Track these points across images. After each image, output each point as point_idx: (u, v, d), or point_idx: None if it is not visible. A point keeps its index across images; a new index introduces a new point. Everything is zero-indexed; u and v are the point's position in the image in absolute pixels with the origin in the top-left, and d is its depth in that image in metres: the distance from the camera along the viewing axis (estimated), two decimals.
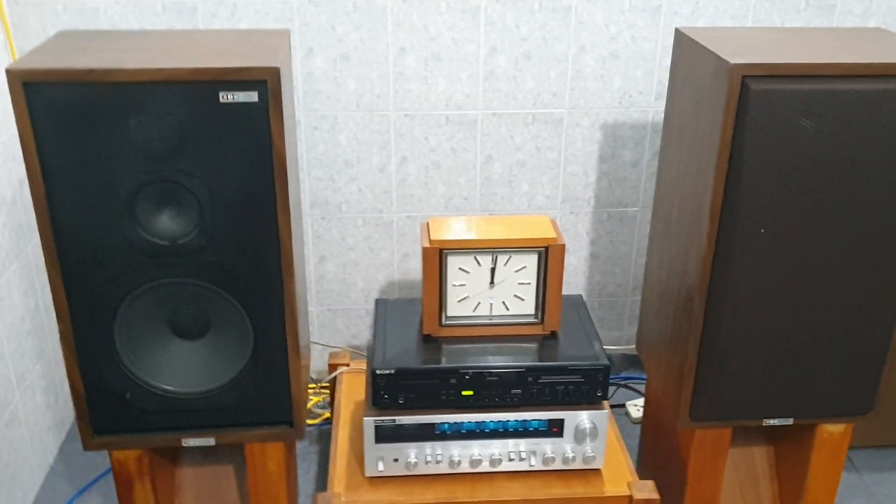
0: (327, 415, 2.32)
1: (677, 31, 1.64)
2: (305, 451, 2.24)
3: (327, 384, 2.14)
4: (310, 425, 2.31)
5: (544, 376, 1.69)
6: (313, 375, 2.42)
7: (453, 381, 1.69)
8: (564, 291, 2.40)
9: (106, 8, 1.99)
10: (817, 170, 1.45)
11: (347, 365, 2.11)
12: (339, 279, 2.33)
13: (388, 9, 2.04)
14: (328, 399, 2.28)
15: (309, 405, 2.33)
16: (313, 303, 2.36)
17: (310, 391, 2.37)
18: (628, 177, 2.27)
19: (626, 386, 2.46)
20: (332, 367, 2.12)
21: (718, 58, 1.44)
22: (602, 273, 2.39)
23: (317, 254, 2.30)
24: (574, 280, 2.39)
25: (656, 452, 1.95)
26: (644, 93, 2.18)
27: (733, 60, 1.40)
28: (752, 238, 1.50)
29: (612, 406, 2.39)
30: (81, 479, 2.13)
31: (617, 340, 2.49)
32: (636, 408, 2.35)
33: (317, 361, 2.41)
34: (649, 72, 2.15)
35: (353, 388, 2.04)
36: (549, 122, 2.18)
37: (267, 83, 1.37)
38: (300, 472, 2.16)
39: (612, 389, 2.45)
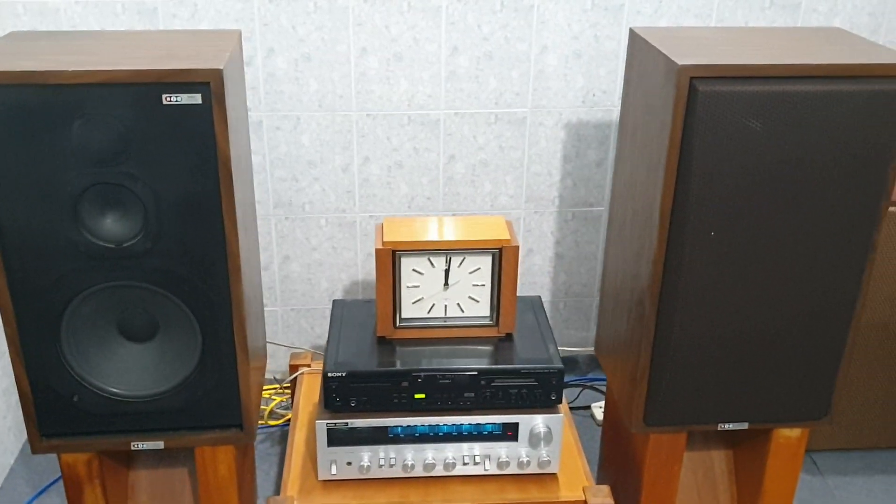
0: (290, 416, 2.31)
1: (631, 30, 1.63)
2: (267, 452, 2.23)
3: (289, 385, 2.13)
4: (272, 426, 2.30)
5: (497, 379, 1.68)
6: (277, 376, 2.41)
7: (405, 384, 1.68)
8: (529, 292, 2.39)
9: (66, 8, 1.97)
10: (767, 171, 1.44)
11: (308, 366, 2.10)
12: (304, 279, 2.32)
13: (349, 9, 2.03)
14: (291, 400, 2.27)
15: (271, 406, 2.32)
16: (277, 303, 2.35)
17: (273, 392, 2.36)
18: (593, 176, 2.26)
19: (591, 388, 2.45)
20: (294, 368, 2.11)
21: (667, 59, 1.43)
22: (567, 273, 2.38)
23: (281, 254, 2.28)
24: (539, 280, 2.38)
25: (615, 456, 1.94)
26: (608, 92, 2.17)
27: (681, 61, 1.39)
28: (702, 241, 1.49)
29: (577, 408, 2.38)
30: (42, 480, 2.12)
31: (583, 341, 2.48)
32: (601, 410, 2.35)
33: (281, 362, 2.40)
34: (612, 71, 2.14)
35: (312, 390, 2.03)
36: (512, 122, 2.17)
37: (210, 85, 1.35)
38: (260, 474, 2.16)
39: (577, 391, 2.44)
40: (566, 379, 2.46)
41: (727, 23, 2.11)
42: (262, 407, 2.30)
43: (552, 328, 2.41)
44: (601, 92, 2.16)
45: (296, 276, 2.32)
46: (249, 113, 2.11)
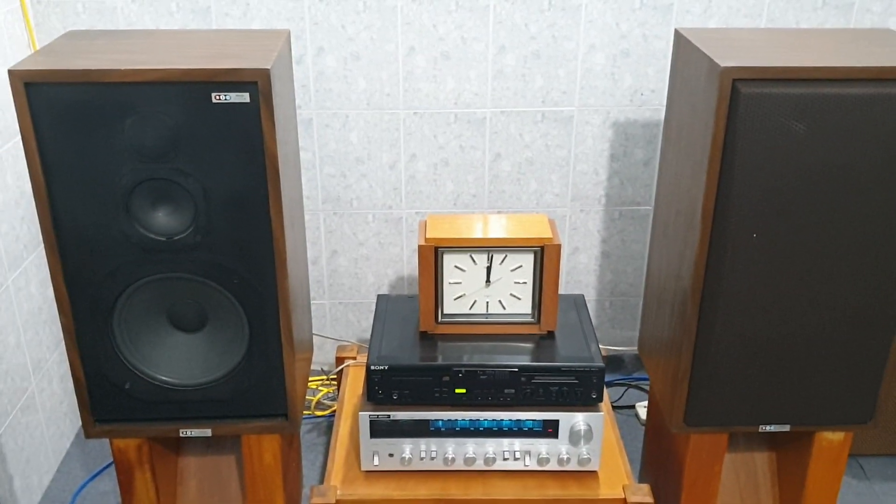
0: (336, 407, 2.35)
1: (676, 31, 1.63)
2: (313, 442, 2.28)
3: (335, 376, 2.17)
4: (319, 417, 2.35)
5: (537, 377, 1.70)
6: (324, 367, 2.45)
7: (446, 378, 1.70)
8: (575, 290, 2.39)
9: (123, 7, 2.04)
10: (810, 174, 1.43)
11: (354, 358, 2.14)
12: (351, 273, 2.36)
13: (398, 8, 2.05)
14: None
15: (318, 397, 2.36)
16: (325, 296, 2.39)
17: (320, 383, 2.41)
18: (640, 175, 2.25)
19: (636, 387, 2.45)
20: (340, 360, 2.15)
21: (710, 60, 1.43)
22: (614, 272, 2.38)
23: (329, 248, 2.33)
24: (585, 279, 2.39)
25: (657, 455, 1.94)
26: (656, 91, 2.16)
27: (723, 63, 1.39)
28: (744, 242, 1.48)
29: (621, 407, 2.39)
30: (96, 464, 2.19)
31: (629, 341, 2.48)
32: (646, 409, 2.34)
33: (328, 354, 2.45)
34: (661, 70, 2.14)
35: (357, 382, 2.06)
36: (558, 120, 2.18)
37: (257, 84, 1.39)
38: (307, 463, 2.20)
39: (621, 390, 2.44)
40: (611, 378, 2.47)
41: (778, 23, 2.09)
42: (309, 398, 2.35)
43: (596, 327, 2.42)
44: (649, 91, 2.16)
45: (343, 270, 2.35)
46: (300, 110, 2.15)
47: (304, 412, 2.33)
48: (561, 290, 2.40)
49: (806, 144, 1.41)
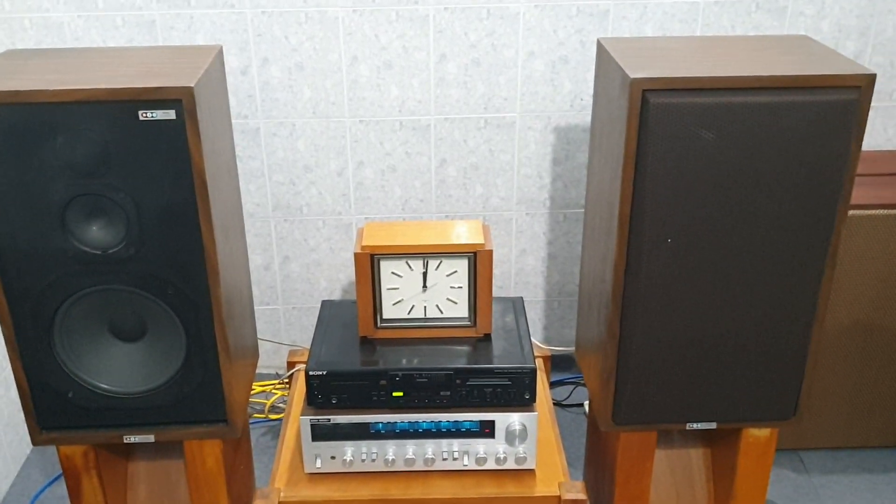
0: None
1: (598, 41, 1.67)
2: (267, 445, 2.32)
3: (288, 380, 2.22)
4: (273, 420, 2.39)
5: (472, 379, 1.74)
6: (279, 372, 2.50)
7: (384, 382, 1.75)
8: (523, 292, 2.44)
9: (69, 22, 2.08)
10: (722, 180, 1.48)
11: (304, 363, 2.18)
12: (304, 279, 2.40)
13: (339, 19, 2.10)
14: None
15: (272, 400, 2.41)
16: (279, 301, 2.43)
17: (274, 388, 2.45)
18: (582, 178, 2.30)
19: (583, 385, 2.50)
20: (291, 365, 2.19)
21: (623, 71, 1.47)
22: (561, 273, 2.43)
23: (280, 254, 2.37)
24: (533, 280, 2.43)
25: (595, 453, 1.99)
26: None
27: (633, 74, 1.43)
28: (659, 246, 1.53)
29: (571, 405, 2.43)
30: (55, 469, 2.23)
31: None
32: None
33: (283, 358, 2.49)
34: None
35: None
36: (501, 126, 2.23)
37: (182, 102, 1.43)
38: (261, 466, 2.25)
39: (569, 389, 2.49)
40: (560, 377, 2.51)
41: (713, 27, 2.14)
42: (263, 401, 2.39)
43: (545, 327, 2.47)
44: (589, 96, 2.21)
45: (296, 275, 2.40)
46: (246, 120, 2.19)
47: (259, 416, 2.39)
48: (509, 292, 2.45)
49: (715, 151, 1.45)
